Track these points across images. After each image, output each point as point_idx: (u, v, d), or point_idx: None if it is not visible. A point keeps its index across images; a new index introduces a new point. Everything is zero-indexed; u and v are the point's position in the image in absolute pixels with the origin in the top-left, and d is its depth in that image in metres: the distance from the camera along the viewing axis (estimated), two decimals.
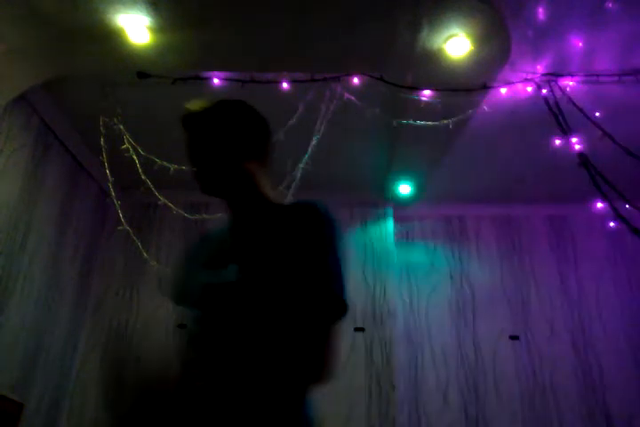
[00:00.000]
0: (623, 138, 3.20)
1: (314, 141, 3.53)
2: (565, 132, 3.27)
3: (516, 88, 3.46)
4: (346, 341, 4.29)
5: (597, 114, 3.35)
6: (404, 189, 4.63)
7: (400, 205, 4.87)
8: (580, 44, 3.22)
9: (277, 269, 1.18)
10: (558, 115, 3.30)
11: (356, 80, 3.39)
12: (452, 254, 4.84)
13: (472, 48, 3.05)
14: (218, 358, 1.19)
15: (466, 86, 3.31)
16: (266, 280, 1.18)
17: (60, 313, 4.05)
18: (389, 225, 4.79)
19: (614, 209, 3.12)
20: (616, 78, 3.38)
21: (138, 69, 3.42)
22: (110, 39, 3.02)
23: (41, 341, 3.79)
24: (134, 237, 3.96)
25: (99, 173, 4.29)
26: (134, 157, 3.65)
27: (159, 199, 3.71)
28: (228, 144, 1.37)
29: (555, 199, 4.84)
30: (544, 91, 3.39)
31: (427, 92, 3.36)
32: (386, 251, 4.64)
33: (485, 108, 3.48)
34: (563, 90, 3.38)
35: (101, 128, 3.67)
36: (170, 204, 3.79)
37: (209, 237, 1.51)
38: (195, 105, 1.42)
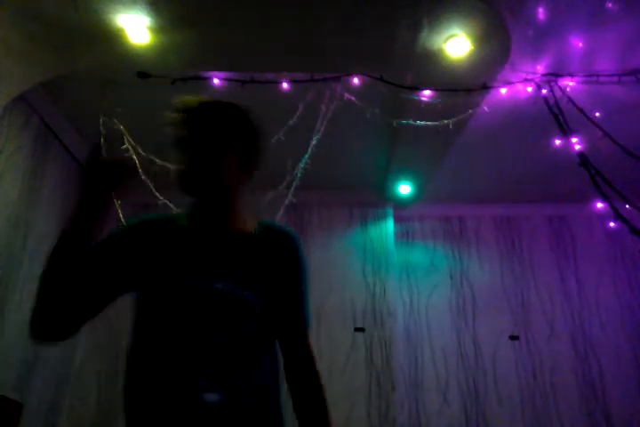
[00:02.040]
0: (623, 138, 3.20)
1: (314, 141, 3.53)
2: (565, 133, 3.27)
3: (516, 88, 3.46)
4: (346, 341, 4.29)
5: (597, 114, 3.35)
6: (404, 189, 4.63)
7: (400, 205, 4.87)
8: (580, 44, 3.22)
9: (267, 294, 1.26)
10: (558, 115, 3.30)
11: (355, 80, 3.39)
12: (452, 254, 4.84)
13: (472, 48, 3.05)
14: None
15: (466, 86, 3.31)
16: (261, 304, 1.24)
17: None
18: (389, 225, 4.79)
19: (614, 209, 3.12)
20: (616, 78, 3.38)
21: (138, 69, 3.42)
22: (110, 39, 3.03)
23: None
24: None
25: None
26: (134, 157, 3.65)
27: (159, 199, 3.71)
28: (228, 149, 1.33)
29: (555, 199, 4.84)
30: (544, 91, 3.39)
31: (427, 92, 3.37)
32: (386, 251, 4.65)
33: (485, 108, 3.49)
34: (563, 90, 3.38)
35: (101, 128, 3.67)
36: (170, 204, 3.79)
37: (148, 225, 1.37)
38: (194, 101, 1.37)
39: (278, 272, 1.30)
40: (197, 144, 1.32)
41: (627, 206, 3.21)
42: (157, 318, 1.20)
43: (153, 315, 1.22)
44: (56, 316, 1.22)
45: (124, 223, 1.38)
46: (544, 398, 4.26)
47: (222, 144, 1.32)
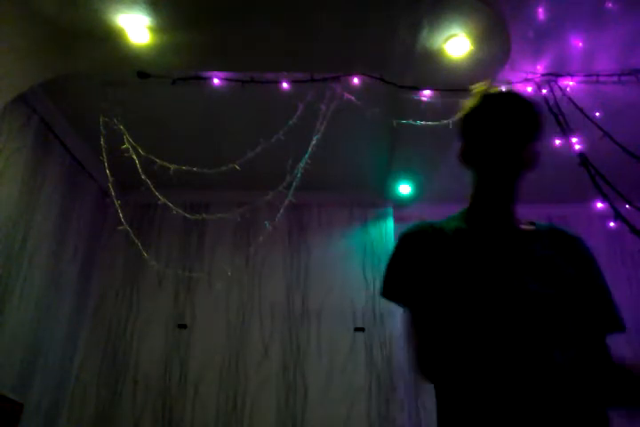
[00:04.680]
0: (623, 138, 3.20)
1: (314, 141, 3.53)
2: (565, 132, 3.27)
3: (516, 88, 3.46)
4: (346, 341, 4.29)
5: (597, 114, 3.35)
6: (404, 189, 4.63)
7: (400, 205, 4.87)
8: (580, 44, 3.22)
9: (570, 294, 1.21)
10: (558, 115, 3.30)
11: (355, 80, 3.39)
12: None
13: (472, 48, 3.05)
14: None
15: (466, 86, 3.30)
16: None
17: (60, 313, 4.05)
18: (389, 225, 4.79)
19: (614, 209, 3.12)
20: (616, 78, 3.38)
21: (138, 69, 3.42)
22: (110, 39, 3.03)
23: (41, 341, 3.79)
24: (134, 237, 3.96)
25: (99, 173, 4.29)
26: (134, 157, 3.65)
27: (159, 199, 3.71)
28: (529, 142, 1.30)
29: (555, 199, 4.84)
30: (544, 91, 3.39)
31: (427, 92, 3.36)
32: (386, 251, 4.64)
33: None
34: (563, 90, 3.38)
35: (101, 128, 3.67)
36: (170, 204, 3.79)
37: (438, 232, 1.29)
38: (496, 90, 1.36)
39: (577, 268, 1.25)
40: (506, 133, 1.27)
41: (627, 206, 3.21)
42: (482, 326, 1.14)
43: (474, 323, 1.15)
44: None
45: (401, 244, 1.30)
46: None
47: (526, 136, 1.30)
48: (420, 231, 1.30)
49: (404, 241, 1.31)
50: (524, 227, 1.30)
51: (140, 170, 3.69)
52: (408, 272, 1.26)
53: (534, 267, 1.20)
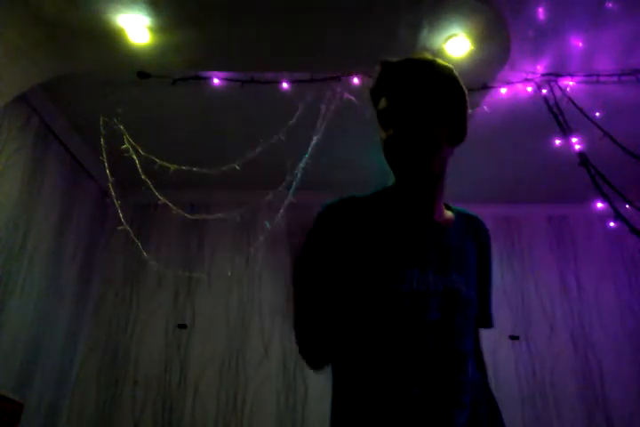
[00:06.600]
0: (623, 138, 3.20)
1: (314, 141, 3.53)
2: (565, 133, 3.27)
3: (516, 88, 3.46)
4: None
5: (597, 114, 3.35)
6: None
7: None
8: (580, 44, 3.22)
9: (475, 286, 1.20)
10: (558, 115, 3.30)
11: (355, 80, 3.40)
12: None
13: (472, 48, 3.05)
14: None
15: (466, 86, 3.31)
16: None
17: (60, 313, 4.05)
18: None
19: (614, 209, 3.12)
20: (616, 78, 3.38)
21: (138, 69, 3.42)
22: (110, 39, 3.03)
23: (41, 341, 3.79)
24: (134, 237, 3.96)
25: (99, 173, 4.29)
26: (134, 157, 3.65)
27: (159, 199, 3.71)
28: (438, 124, 1.18)
29: (555, 199, 4.84)
30: (544, 91, 3.39)
31: None
32: None
33: (485, 108, 3.48)
34: (563, 90, 3.38)
35: (101, 128, 3.67)
36: (170, 204, 3.79)
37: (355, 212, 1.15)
38: (394, 62, 1.16)
39: (478, 265, 1.23)
40: (404, 118, 1.12)
41: (627, 206, 3.21)
42: (392, 321, 1.07)
43: (383, 319, 1.08)
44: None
45: (324, 217, 1.16)
46: (544, 398, 4.26)
47: (432, 119, 1.16)
48: (342, 209, 1.16)
49: (325, 216, 1.16)
50: (442, 217, 1.21)
51: (139, 170, 3.69)
52: (321, 252, 1.13)
53: (451, 264, 1.14)
